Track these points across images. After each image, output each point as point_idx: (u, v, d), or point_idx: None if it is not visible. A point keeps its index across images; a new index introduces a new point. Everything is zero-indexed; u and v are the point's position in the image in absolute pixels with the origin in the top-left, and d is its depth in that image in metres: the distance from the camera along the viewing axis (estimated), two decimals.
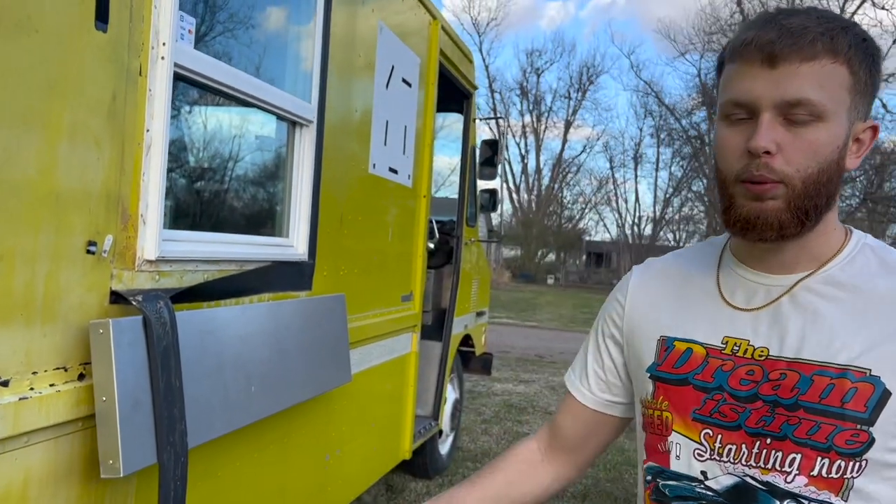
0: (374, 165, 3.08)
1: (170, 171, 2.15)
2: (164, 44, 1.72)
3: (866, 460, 0.89)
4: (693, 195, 38.68)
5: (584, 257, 50.81)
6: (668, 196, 42.54)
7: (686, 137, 35.14)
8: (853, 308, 0.93)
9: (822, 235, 0.96)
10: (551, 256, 47.66)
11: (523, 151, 46.80)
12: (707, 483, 0.98)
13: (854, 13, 29.32)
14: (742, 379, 0.96)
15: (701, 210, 38.08)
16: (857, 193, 32.70)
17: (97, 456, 1.55)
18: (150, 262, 1.75)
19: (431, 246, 4.30)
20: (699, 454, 0.99)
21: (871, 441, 0.89)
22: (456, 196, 4.90)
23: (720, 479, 0.97)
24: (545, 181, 47.30)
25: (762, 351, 0.96)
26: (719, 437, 0.97)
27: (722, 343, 1.00)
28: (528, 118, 46.72)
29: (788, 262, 0.98)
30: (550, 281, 40.71)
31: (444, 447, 5.11)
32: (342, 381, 2.68)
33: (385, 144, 3.19)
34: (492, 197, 5.39)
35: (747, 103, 0.91)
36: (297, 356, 2.35)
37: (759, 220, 0.92)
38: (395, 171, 3.35)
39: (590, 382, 1.19)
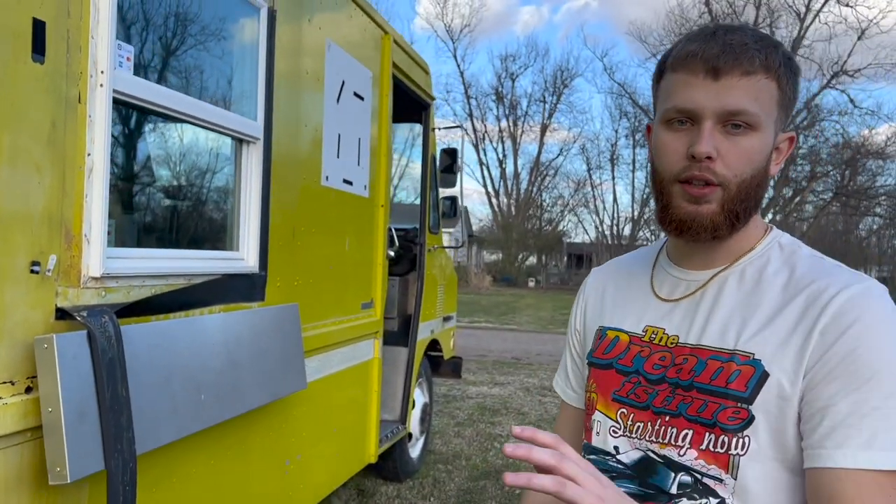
0: (326, 178, 3.18)
1: (117, 190, 2.24)
2: (102, 72, 1.81)
3: (748, 437, 0.95)
4: None
5: (564, 259, 51.13)
6: (645, 196, 42.96)
7: None
8: (749, 299, 1.01)
9: (743, 234, 1.04)
10: (532, 259, 47.93)
11: (501, 156, 47.11)
12: (618, 457, 1.07)
13: (819, 11, 29.81)
14: (655, 364, 1.05)
15: None
16: (830, 188, 33.25)
17: (45, 464, 1.64)
18: (95, 279, 1.84)
19: (392, 254, 4.40)
20: (614, 431, 1.08)
21: (752, 418, 0.95)
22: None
23: (629, 453, 1.06)
24: (524, 185, 47.61)
25: (674, 339, 1.05)
26: (631, 415, 1.06)
27: (643, 331, 1.09)
28: (504, 123, 46.97)
29: (710, 259, 1.06)
30: (532, 284, 40.94)
31: (415, 451, 5.20)
32: (297, 388, 2.77)
33: (338, 157, 3.30)
34: (452, 204, 5.50)
35: (690, 111, 0.98)
36: (249, 365, 2.44)
37: (695, 222, 0.99)
38: (349, 183, 3.45)
39: (572, 382, 1.28)
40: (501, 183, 47.13)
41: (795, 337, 0.95)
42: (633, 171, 43.84)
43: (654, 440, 1.03)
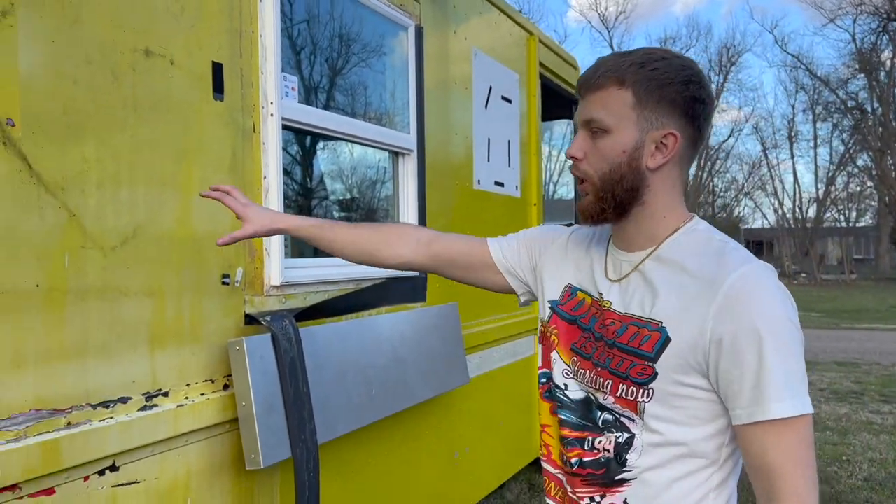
0: (478, 181, 3.30)
1: (290, 207, 2.48)
2: (271, 103, 2.04)
3: (652, 389, 1.18)
4: (858, 170, 35.66)
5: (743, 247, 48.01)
6: (830, 174, 39.47)
7: (845, 109, 32.54)
8: (665, 278, 1.21)
9: (648, 220, 1.24)
10: None
11: None
12: (566, 392, 1.32)
13: None
14: (600, 324, 1.27)
15: (870, 185, 35.02)
16: None
17: (242, 452, 1.87)
18: (276, 287, 2.07)
19: None
20: (566, 373, 1.32)
21: (655, 375, 1.17)
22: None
23: (576, 392, 1.31)
24: (691, 171, 45.46)
25: (608, 303, 1.28)
26: (579, 363, 1.30)
27: (598, 296, 1.31)
28: None
29: (630, 241, 1.27)
30: None
31: None
32: (460, 383, 2.91)
33: (488, 160, 3.41)
34: None
35: (576, 124, 1.26)
36: (415, 361, 2.61)
37: (582, 211, 1.25)
38: (501, 184, 3.55)
39: (504, 250, 1.50)
40: None
41: (696, 309, 1.15)
42: (814, 148, 40.36)
43: (591, 386, 1.27)
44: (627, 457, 1.22)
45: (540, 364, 1.39)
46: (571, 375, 1.31)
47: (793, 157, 43.25)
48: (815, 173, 40.00)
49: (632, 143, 1.19)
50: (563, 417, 1.31)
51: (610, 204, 1.21)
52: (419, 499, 2.84)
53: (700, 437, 1.18)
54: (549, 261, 1.44)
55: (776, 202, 43.21)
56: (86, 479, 1.52)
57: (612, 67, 1.19)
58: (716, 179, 45.37)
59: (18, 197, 1.39)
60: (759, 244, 47.29)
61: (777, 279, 1.16)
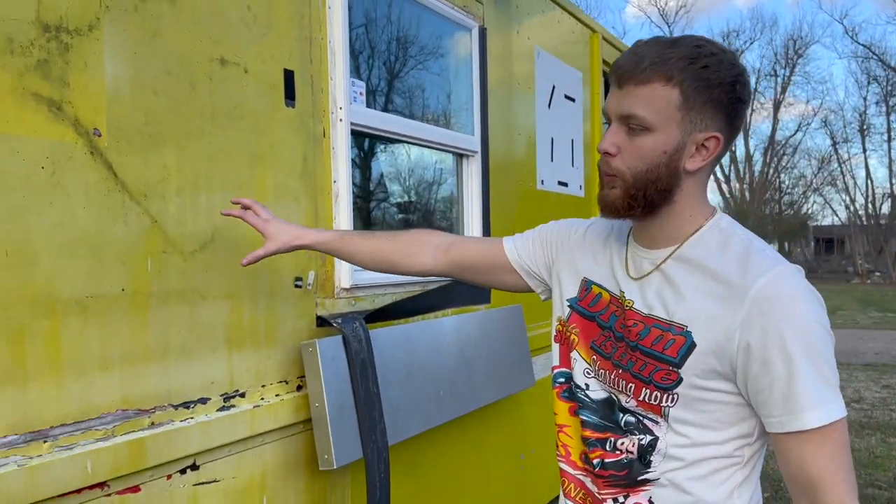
0: (542, 181, 3.27)
1: (359, 210, 2.51)
2: (340, 108, 2.07)
3: (677, 394, 1.16)
4: None
5: (811, 245, 46.52)
6: None
7: None
8: (688, 279, 1.18)
9: (674, 218, 1.21)
10: (773, 247, 44.17)
11: None
12: (587, 392, 1.30)
13: None
14: (621, 324, 1.25)
15: None
16: None
17: (315, 452, 1.90)
18: (346, 289, 2.09)
19: None
20: (587, 372, 1.30)
21: (680, 380, 1.15)
22: None
23: (597, 392, 1.29)
24: (757, 167, 44.13)
25: (630, 302, 1.25)
26: (599, 363, 1.28)
27: (619, 293, 1.27)
28: None
29: (653, 238, 1.23)
30: None
31: None
32: (526, 385, 2.89)
33: (552, 160, 3.38)
34: None
35: (607, 114, 1.20)
36: (481, 363, 2.60)
37: (605, 203, 1.21)
38: (564, 184, 3.51)
39: (519, 250, 1.49)
40: (732, 167, 44.15)
41: (722, 314, 1.12)
42: (888, 142, 38.74)
43: (613, 387, 1.25)
44: (651, 458, 1.21)
45: (557, 363, 1.38)
46: (592, 375, 1.29)
47: (865, 151, 41.50)
48: (890, 168, 38.35)
49: (673, 144, 1.15)
50: (584, 418, 1.29)
51: (640, 203, 1.17)
52: (487, 501, 2.83)
53: (725, 439, 1.17)
54: (565, 256, 1.41)
55: (847, 198, 41.58)
56: (168, 477, 1.56)
57: (658, 60, 1.12)
58: (783, 175, 43.96)
59: (105, 205, 1.45)
60: (829, 242, 45.59)
61: (806, 281, 1.14)
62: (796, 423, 1.08)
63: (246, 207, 1.60)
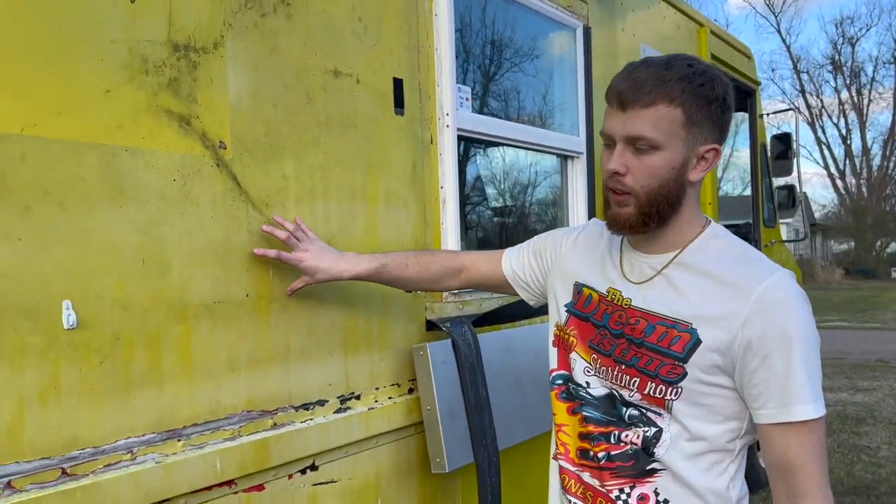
0: None
1: (465, 214, 2.52)
2: (447, 114, 2.08)
3: (681, 388, 1.25)
4: None
5: None
6: None
7: None
8: (691, 282, 1.27)
9: (676, 228, 1.30)
10: (893, 246, 41.30)
11: (844, 132, 41.56)
12: (588, 390, 1.37)
13: None
14: (616, 321, 1.33)
15: None
16: None
17: (427, 455, 1.92)
18: (453, 294, 2.10)
19: None
20: (587, 371, 1.38)
21: (685, 374, 1.24)
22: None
23: (598, 389, 1.36)
24: (876, 161, 41.37)
25: (627, 301, 1.33)
26: (599, 360, 1.35)
27: (606, 291, 1.37)
28: (845, 94, 41.38)
29: (654, 246, 1.32)
30: (895, 274, 35.28)
31: None
32: None
33: None
34: (790, 193, 5.06)
35: (609, 135, 1.27)
36: None
37: (616, 221, 1.29)
38: None
39: (513, 263, 1.63)
40: (847, 162, 41.56)
41: (726, 313, 1.21)
42: None
43: (614, 382, 1.32)
44: (655, 450, 1.29)
45: (555, 366, 1.47)
46: (592, 372, 1.37)
47: None
48: None
49: (680, 159, 1.23)
50: (586, 414, 1.37)
51: (654, 218, 1.26)
52: None
53: (720, 432, 1.27)
54: (559, 264, 1.51)
55: None
56: (290, 476, 1.62)
57: (658, 82, 1.20)
58: None
59: (230, 214, 1.52)
60: None
61: (798, 286, 1.25)
62: (787, 415, 1.19)
63: (289, 233, 1.59)
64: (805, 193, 11.04)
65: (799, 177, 4.94)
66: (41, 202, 1.22)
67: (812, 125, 40.77)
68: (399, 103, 1.94)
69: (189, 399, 1.43)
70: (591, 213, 2.75)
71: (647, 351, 1.28)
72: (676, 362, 1.25)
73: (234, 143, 1.53)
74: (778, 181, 5.08)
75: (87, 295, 1.27)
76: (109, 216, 1.31)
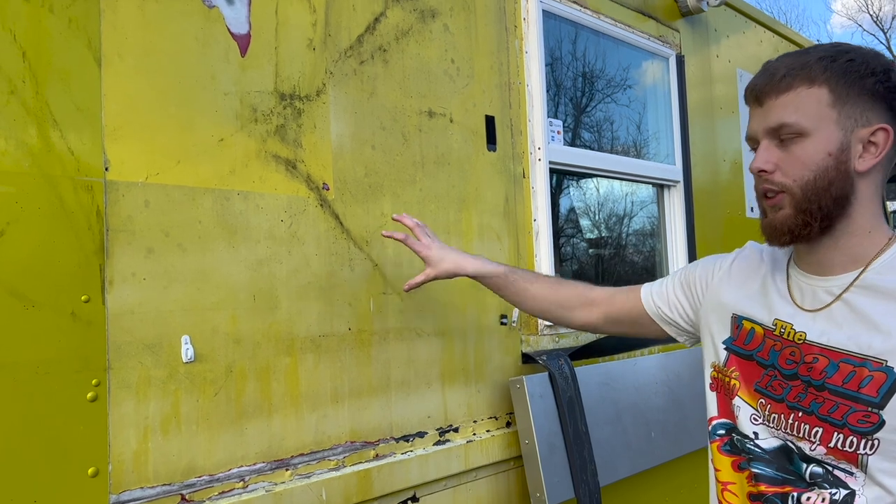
0: (751, 209, 3.09)
1: (558, 246, 2.52)
2: (539, 148, 2.11)
3: (878, 440, 1.02)
4: None
5: None
6: None
7: None
8: (882, 307, 1.04)
9: (853, 237, 1.09)
10: None
11: None
12: (757, 441, 1.16)
13: None
14: (787, 359, 1.12)
15: None
16: None
17: (527, 489, 1.91)
18: (549, 326, 2.10)
19: None
20: (755, 419, 1.17)
21: (882, 423, 1.01)
22: None
23: (769, 440, 1.15)
24: None
25: (801, 335, 1.11)
26: (769, 406, 1.14)
27: (773, 324, 1.16)
28: None
29: (826, 264, 1.11)
30: None
31: None
32: None
33: None
34: None
35: (752, 137, 1.13)
36: (693, 404, 2.47)
37: (774, 228, 1.11)
38: None
39: (654, 297, 1.42)
40: None
41: None
42: None
43: (790, 433, 1.11)
44: None
45: (716, 413, 1.25)
46: (761, 421, 1.16)
47: None
48: None
49: (836, 143, 1.06)
50: (756, 471, 1.16)
51: (816, 217, 1.06)
52: None
53: None
54: (711, 296, 1.30)
55: None
56: None
57: (795, 66, 1.07)
58: None
59: (333, 251, 1.59)
60: None
61: None
62: None
63: (410, 228, 1.60)
64: None
65: None
66: (162, 244, 1.32)
67: None
68: (491, 139, 1.99)
69: (296, 429, 1.49)
70: (691, 242, 2.68)
71: (831, 395, 1.06)
72: (870, 408, 1.03)
73: (336, 184, 1.60)
74: (891, 204, 4.80)
75: (203, 330, 1.36)
76: (223, 256, 1.40)
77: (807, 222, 1.07)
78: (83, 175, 1.23)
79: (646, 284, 1.46)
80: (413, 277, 1.60)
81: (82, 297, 1.22)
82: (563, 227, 2.66)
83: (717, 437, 1.24)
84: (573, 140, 2.45)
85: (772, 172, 1.08)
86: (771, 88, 1.08)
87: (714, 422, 1.25)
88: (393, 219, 1.65)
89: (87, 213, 1.23)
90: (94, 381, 1.22)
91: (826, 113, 1.06)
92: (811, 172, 1.06)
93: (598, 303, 1.50)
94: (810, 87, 1.06)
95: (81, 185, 1.23)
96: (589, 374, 2.14)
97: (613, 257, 2.87)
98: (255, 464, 1.42)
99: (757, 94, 1.10)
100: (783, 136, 1.07)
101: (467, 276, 1.58)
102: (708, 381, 1.29)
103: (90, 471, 1.21)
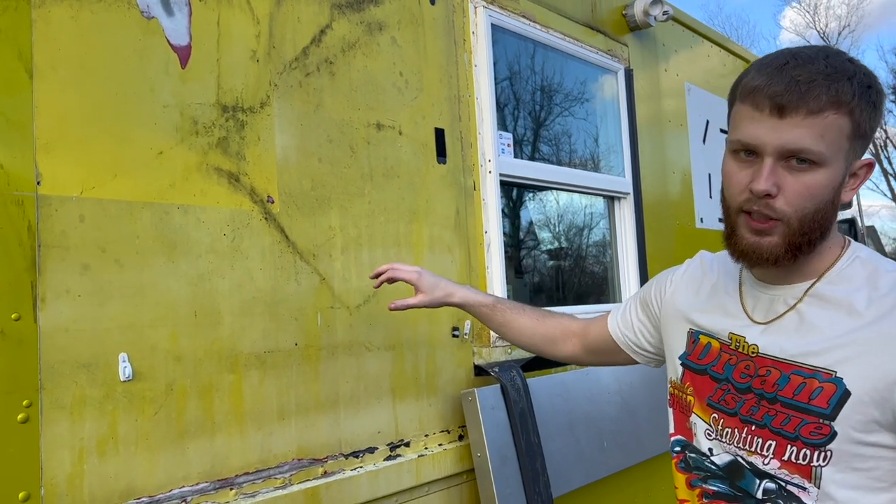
0: (701, 220, 3.14)
1: (509, 258, 2.53)
2: (489, 160, 2.11)
3: (831, 451, 1.00)
4: None
5: None
6: None
7: None
8: (831, 318, 1.02)
9: (815, 254, 1.06)
10: None
11: None
12: (712, 458, 1.14)
13: None
14: (742, 373, 1.10)
15: None
16: None
17: (480, 503, 1.90)
18: (501, 338, 2.10)
19: None
20: (708, 434, 1.14)
21: (833, 434, 0.99)
22: None
23: (721, 456, 1.12)
24: None
25: (753, 348, 1.09)
26: (722, 420, 1.12)
27: (728, 338, 1.14)
28: None
29: (785, 276, 1.08)
30: None
31: None
32: None
33: (710, 197, 3.24)
34: (850, 228, 4.91)
35: (754, 146, 1.00)
36: (646, 413, 2.50)
37: (755, 253, 1.03)
38: None
39: (619, 324, 1.42)
40: None
41: (878, 356, 0.97)
42: None
43: (742, 447, 1.09)
44: None
45: (673, 430, 1.24)
46: (714, 436, 1.13)
47: None
48: None
49: (840, 177, 1.01)
50: (712, 489, 1.13)
51: (803, 249, 1.02)
52: None
53: (886, 502, 1.01)
54: (668, 308, 1.28)
55: None
56: None
57: (827, 83, 0.96)
58: None
59: (279, 265, 1.56)
60: None
61: None
62: None
63: (389, 268, 1.62)
64: (873, 227, 10.65)
65: (860, 209, 4.79)
66: (99, 259, 1.28)
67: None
68: (441, 152, 1.99)
69: (241, 448, 1.46)
70: (642, 253, 2.72)
71: (783, 407, 1.04)
72: (821, 420, 1.00)
73: (281, 196, 1.58)
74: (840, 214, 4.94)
75: (142, 347, 1.32)
76: (163, 271, 1.37)
77: (794, 254, 1.03)
78: (13, 189, 1.19)
79: (612, 311, 1.46)
80: (400, 299, 1.62)
81: (12, 315, 1.18)
82: (515, 238, 2.67)
83: (675, 454, 1.23)
84: (524, 153, 2.46)
85: (774, 197, 1.00)
86: (801, 104, 0.96)
87: (672, 438, 1.24)
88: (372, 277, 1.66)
89: (17, 229, 1.19)
90: (24, 402, 1.18)
91: (843, 144, 0.99)
92: (813, 205, 1.00)
93: (577, 334, 1.50)
94: (837, 113, 0.97)
95: (11, 200, 1.19)
96: (542, 384, 2.14)
97: (568, 268, 2.89)
98: (197, 483, 1.38)
99: (779, 103, 0.97)
100: (798, 161, 0.98)
101: (454, 304, 1.60)
102: (667, 396, 1.27)
103: (21, 495, 1.17)
